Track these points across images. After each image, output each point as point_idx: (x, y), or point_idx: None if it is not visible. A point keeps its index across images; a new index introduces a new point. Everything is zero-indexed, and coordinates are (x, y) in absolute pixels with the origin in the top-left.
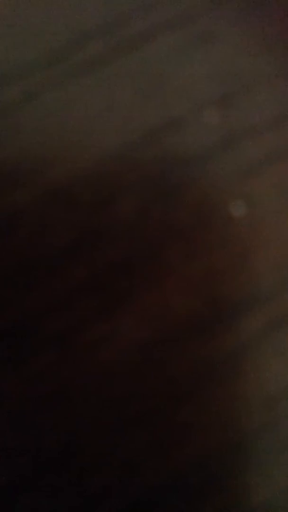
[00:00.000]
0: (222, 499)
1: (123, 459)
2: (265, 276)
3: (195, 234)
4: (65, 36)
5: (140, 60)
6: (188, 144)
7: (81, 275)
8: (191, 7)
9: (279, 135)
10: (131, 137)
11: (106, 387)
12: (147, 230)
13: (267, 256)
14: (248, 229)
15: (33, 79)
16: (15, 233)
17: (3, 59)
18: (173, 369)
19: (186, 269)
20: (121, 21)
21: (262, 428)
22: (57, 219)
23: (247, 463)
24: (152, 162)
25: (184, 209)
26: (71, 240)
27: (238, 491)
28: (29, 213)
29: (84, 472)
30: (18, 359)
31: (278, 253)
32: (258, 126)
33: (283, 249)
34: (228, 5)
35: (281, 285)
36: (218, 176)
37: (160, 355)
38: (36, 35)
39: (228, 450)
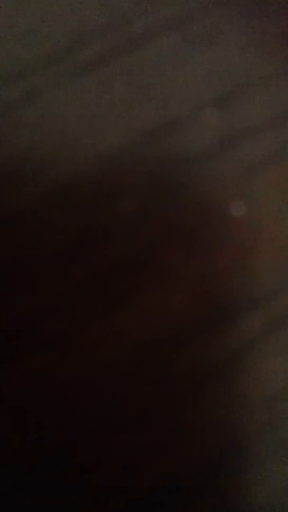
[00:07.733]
0: (222, 499)
1: (123, 459)
2: (265, 276)
3: (195, 234)
4: (65, 36)
5: (140, 60)
6: (188, 144)
7: (81, 275)
8: (191, 7)
9: (279, 135)
10: (131, 137)
11: (106, 387)
12: (147, 230)
13: (267, 256)
14: (248, 229)
15: (33, 79)
16: (15, 233)
17: (3, 59)
18: (173, 369)
19: (186, 269)
20: (121, 21)
21: (262, 428)
22: (57, 219)
23: (247, 463)
24: (152, 162)
25: (184, 209)
26: (71, 240)
27: (238, 491)
28: (29, 213)
29: (84, 472)
30: (18, 359)
31: (278, 253)
32: (258, 126)
33: (283, 249)
34: (228, 5)
35: (281, 285)
36: (218, 176)
37: (161, 355)
38: (36, 35)
39: (228, 450)
